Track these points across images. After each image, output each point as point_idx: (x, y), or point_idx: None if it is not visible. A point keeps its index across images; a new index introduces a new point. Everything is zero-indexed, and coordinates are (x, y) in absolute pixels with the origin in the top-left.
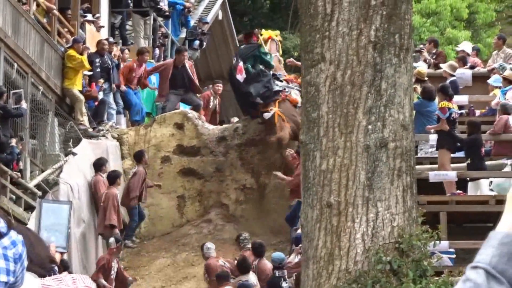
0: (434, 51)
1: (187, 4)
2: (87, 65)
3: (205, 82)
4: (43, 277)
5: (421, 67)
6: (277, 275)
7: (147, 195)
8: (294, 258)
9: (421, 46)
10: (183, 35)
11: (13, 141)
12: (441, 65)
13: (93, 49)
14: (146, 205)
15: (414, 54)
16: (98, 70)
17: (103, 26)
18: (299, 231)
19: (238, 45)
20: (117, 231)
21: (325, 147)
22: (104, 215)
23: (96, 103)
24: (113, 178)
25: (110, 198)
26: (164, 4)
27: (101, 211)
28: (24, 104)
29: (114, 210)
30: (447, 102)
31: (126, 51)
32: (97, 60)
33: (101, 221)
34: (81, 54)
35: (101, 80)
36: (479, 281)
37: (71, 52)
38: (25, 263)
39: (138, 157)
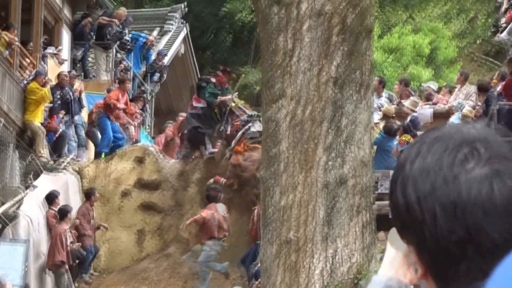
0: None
1: (150, 38)
2: (50, 97)
3: (167, 116)
4: None
5: (386, 105)
6: None
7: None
8: None
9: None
10: (144, 68)
11: None
12: (403, 101)
13: (54, 81)
14: (106, 239)
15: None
16: (59, 102)
17: (66, 60)
18: (258, 265)
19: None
20: (66, 267)
21: (285, 183)
22: (53, 251)
23: (56, 136)
24: (63, 213)
25: (58, 234)
26: (127, 38)
27: (50, 247)
28: None
29: (62, 246)
30: (408, 135)
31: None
32: (58, 92)
33: (49, 257)
34: (43, 86)
35: (62, 112)
36: None
37: (33, 85)
38: None
39: (88, 195)
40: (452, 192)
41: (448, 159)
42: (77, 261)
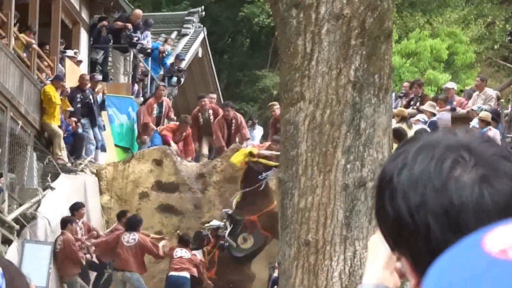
0: (419, 94)
1: (161, 48)
2: (67, 105)
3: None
4: None
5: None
6: None
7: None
8: None
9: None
10: (162, 72)
11: None
12: (422, 107)
13: (72, 84)
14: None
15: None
16: (79, 105)
17: (81, 61)
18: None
19: (217, 82)
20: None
21: (303, 186)
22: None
23: (74, 138)
24: (63, 223)
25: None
26: (147, 42)
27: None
28: None
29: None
30: None
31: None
32: (78, 95)
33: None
34: (62, 94)
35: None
36: None
37: (48, 88)
38: None
39: (72, 209)
40: (443, 200)
41: (435, 168)
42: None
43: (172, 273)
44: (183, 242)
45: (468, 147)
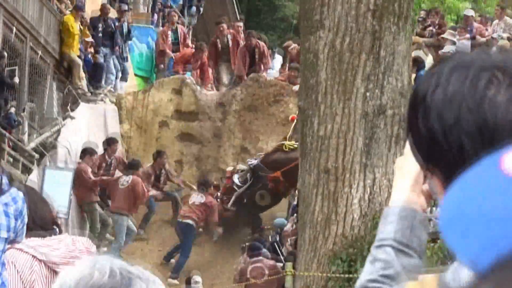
0: (437, 22)
1: None
2: (86, 34)
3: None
4: (43, 237)
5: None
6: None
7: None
8: (289, 228)
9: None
10: (181, 2)
11: (13, 109)
12: (443, 36)
13: (93, 13)
14: None
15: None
16: (100, 35)
17: None
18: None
19: (237, 12)
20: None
21: (323, 113)
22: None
23: (94, 68)
24: (82, 152)
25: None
26: None
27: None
28: (16, 79)
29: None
30: None
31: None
32: (100, 25)
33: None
34: (82, 24)
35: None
36: (388, 259)
37: (67, 18)
38: (26, 219)
39: (105, 143)
40: (477, 120)
41: (469, 88)
42: None
43: (179, 219)
44: (200, 185)
45: (502, 67)
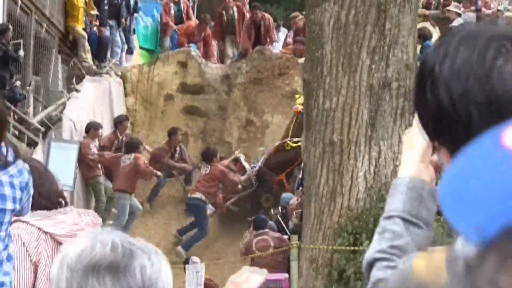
0: None
1: None
2: (91, 7)
3: (210, 24)
4: (49, 210)
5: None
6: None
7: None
8: (295, 201)
9: None
10: None
11: (18, 83)
12: (447, 8)
13: None
14: (149, 142)
15: None
16: (106, 7)
17: None
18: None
19: None
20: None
21: (328, 86)
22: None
23: (99, 41)
24: (86, 126)
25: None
26: None
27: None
28: (21, 53)
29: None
30: None
31: None
32: None
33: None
34: None
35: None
36: (398, 229)
37: None
38: (31, 191)
39: (115, 121)
40: (485, 90)
41: (478, 58)
42: None
43: (189, 195)
44: (204, 156)
45: (510, 37)
